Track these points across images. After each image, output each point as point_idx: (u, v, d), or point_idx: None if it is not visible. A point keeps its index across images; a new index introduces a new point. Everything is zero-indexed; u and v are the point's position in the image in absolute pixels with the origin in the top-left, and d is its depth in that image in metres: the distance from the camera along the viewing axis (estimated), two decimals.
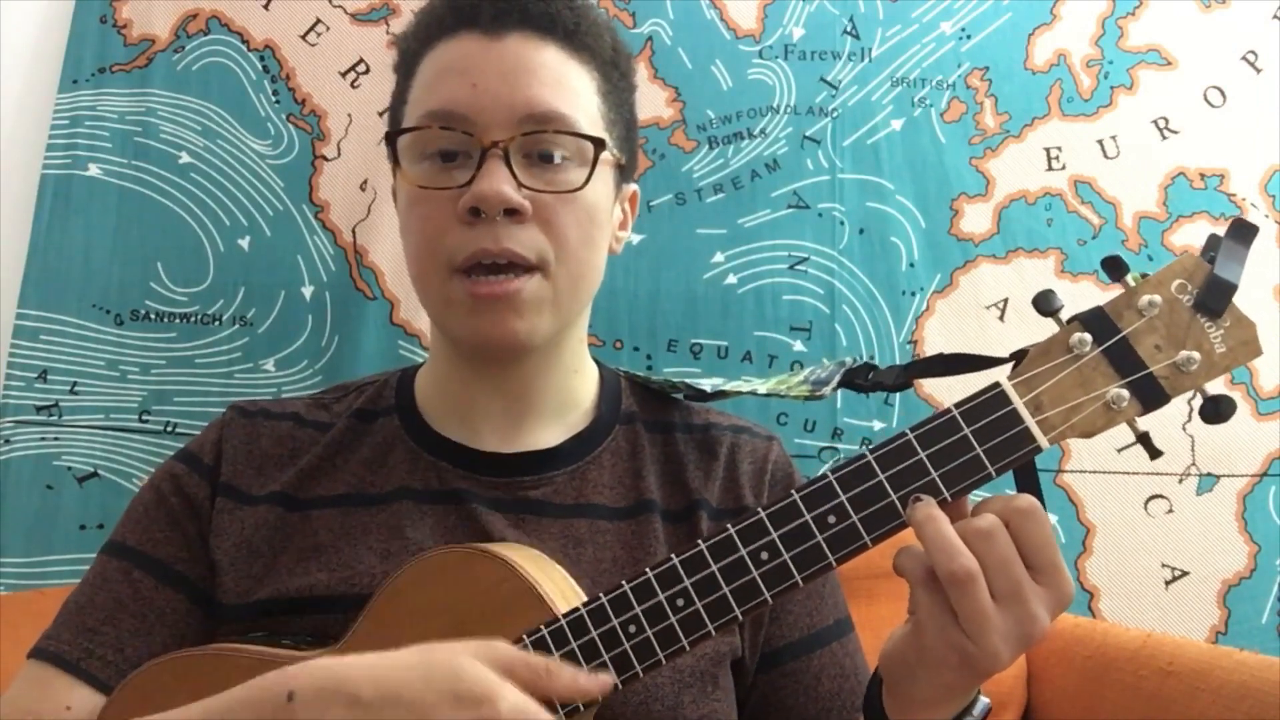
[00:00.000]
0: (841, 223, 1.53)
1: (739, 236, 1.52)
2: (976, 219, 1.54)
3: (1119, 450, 1.45)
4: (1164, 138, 1.56)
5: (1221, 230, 0.57)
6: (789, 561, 0.56)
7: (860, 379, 0.70)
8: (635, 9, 1.58)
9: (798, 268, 1.52)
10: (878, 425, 1.47)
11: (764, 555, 0.56)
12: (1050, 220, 1.53)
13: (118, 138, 1.51)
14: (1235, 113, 1.56)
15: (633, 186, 0.83)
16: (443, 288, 0.71)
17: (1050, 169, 1.55)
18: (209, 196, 1.50)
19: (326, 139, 1.53)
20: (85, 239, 1.47)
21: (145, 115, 1.51)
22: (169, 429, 1.43)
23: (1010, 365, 0.59)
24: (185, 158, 1.51)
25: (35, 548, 1.37)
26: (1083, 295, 1.50)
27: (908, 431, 0.57)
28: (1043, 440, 0.56)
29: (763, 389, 0.78)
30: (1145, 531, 1.44)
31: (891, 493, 0.56)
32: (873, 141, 1.56)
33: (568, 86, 0.72)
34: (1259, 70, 1.58)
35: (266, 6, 1.56)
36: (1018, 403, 0.56)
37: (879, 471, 0.56)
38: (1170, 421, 1.43)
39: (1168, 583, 1.43)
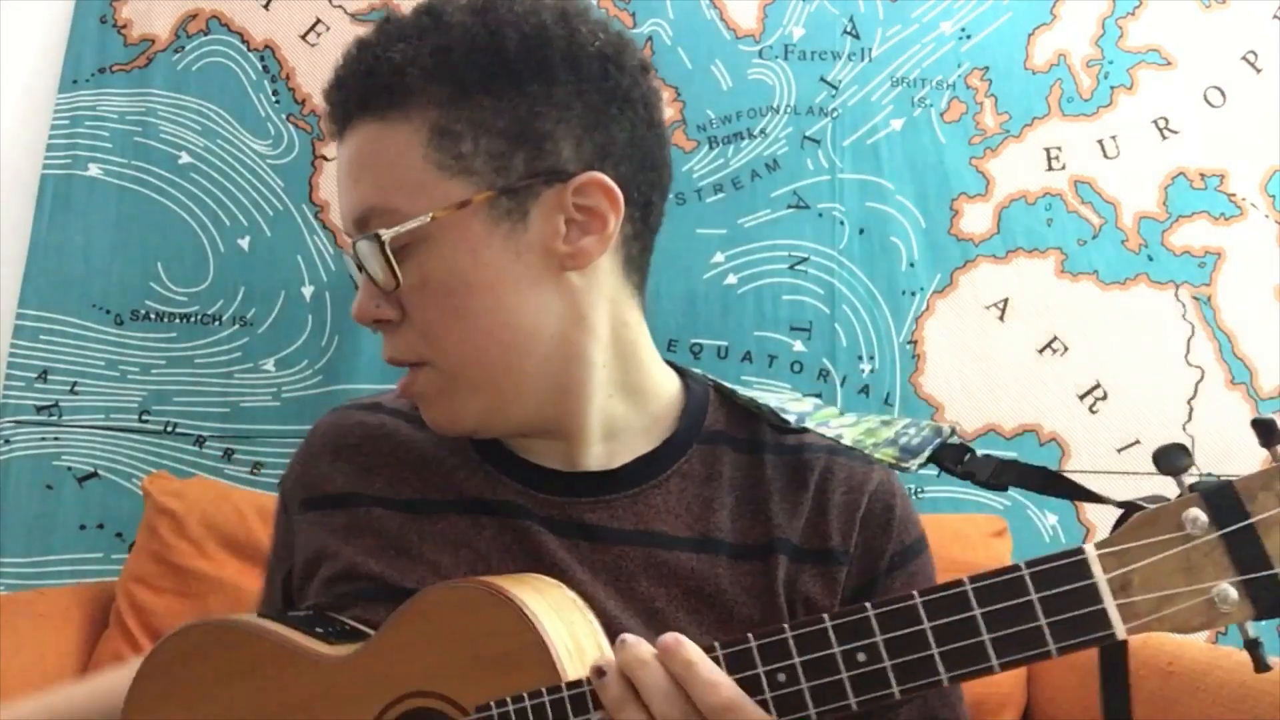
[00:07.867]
0: (841, 223, 1.53)
1: (739, 236, 1.52)
2: (976, 219, 1.54)
3: (1119, 450, 1.45)
4: (1164, 138, 1.56)
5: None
6: (806, 691, 0.51)
7: (949, 461, 0.65)
8: (635, 9, 1.58)
9: (798, 268, 1.52)
10: None
11: (781, 677, 0.52)
12: (1050, 220, 1.53)
13: (118, 138, 1.51)
14: (1235, 113, 1.56)
15: (569, 186, 0.65)
16: None
17: (1050, 169, 1.55)
18: (209, 196, 1.50)
19: (326, 139, 1.53)
20: (85, 239, 1.47)
21: (145, 115, 1.51)
22: (169, 429, 1.43)
23: (1110, 517, 0.51)
24: (185, 158, 1.51)
25: (35, 548, 1.37)
26: (1083, 295, 1.50)
27: (965, 581, 0.49)
28: (1120, 629, 0.47)
29: (848, 438, 0.70)
30: None
31: (933, 646, 0.49)
32: (873, 141, 1.56)
33: (373, 169, 0.65)
34: (1259, 70, 1.58)
35: (266, 6, 1.56)
36: (1100, 578, 0.47)
37: (924, 619, 0.50)
38: (1171, 422, 1.43)
39: None
